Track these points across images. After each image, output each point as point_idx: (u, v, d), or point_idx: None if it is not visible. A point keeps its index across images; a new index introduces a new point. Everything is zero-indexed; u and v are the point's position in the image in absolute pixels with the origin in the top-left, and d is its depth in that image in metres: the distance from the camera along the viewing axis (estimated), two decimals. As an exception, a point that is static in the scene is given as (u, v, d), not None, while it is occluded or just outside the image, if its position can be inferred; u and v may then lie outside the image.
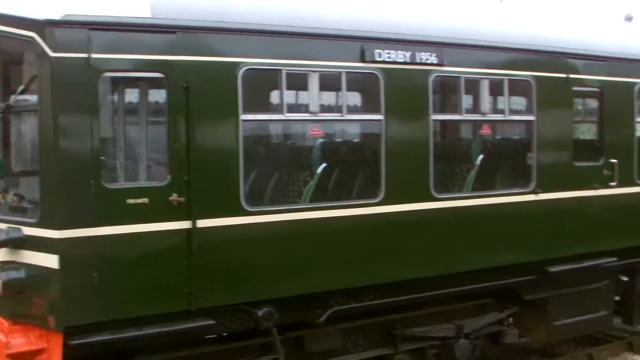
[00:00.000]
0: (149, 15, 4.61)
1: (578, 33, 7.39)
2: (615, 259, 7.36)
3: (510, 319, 7.06)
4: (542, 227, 6.73)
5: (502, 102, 6.58)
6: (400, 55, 5.73)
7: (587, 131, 8.04)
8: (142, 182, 4.99)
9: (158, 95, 5.01)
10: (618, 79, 7.37)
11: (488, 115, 6.37)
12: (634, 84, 7.48)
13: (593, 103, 7.78)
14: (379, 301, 5.81)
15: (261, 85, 5.54)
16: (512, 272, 6.66)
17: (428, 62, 5.88)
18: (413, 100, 5.80)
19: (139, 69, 4.63)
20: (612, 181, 7.20)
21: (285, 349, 5.37)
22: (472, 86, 6.27)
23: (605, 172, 7.18)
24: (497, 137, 7.35)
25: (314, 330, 5.63)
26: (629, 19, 8.39)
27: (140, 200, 4.52)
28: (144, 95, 5.15)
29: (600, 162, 7.19)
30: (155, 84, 4.91)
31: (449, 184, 6.41)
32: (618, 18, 8.49)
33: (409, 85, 5.78)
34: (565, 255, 6.95)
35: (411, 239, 5.82)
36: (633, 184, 7.48)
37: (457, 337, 6.45)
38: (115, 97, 5.13)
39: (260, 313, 5.10)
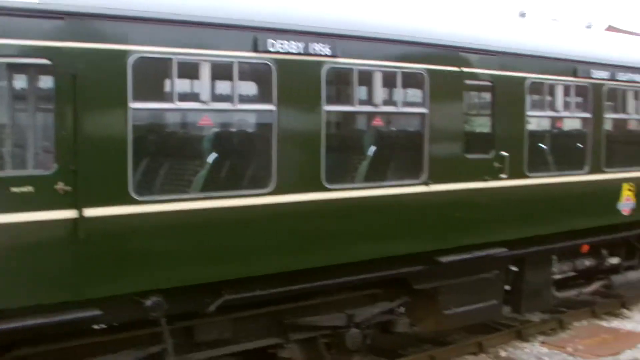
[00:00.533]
0: (37, 1, 5.05)
1: (471, 28, 8.39)
2: (505, 249, 8.45)
3: (402, 309, 8.01)
4: (434, 218, 7.68)
5: (395, 94, 7.46)
6: (294, 46, 6.42)
7: (482, 124, 9.10)
8: (28, 170, 5.40)
9: (46, 82, 5.43)
10: (510, 73, 8.43)
11: (381, 107, 7.23)
12: (525, 78, 8.58)
13: (487, 96, 8.84)
14: (270, 291, 6.50)
15: (152, 73, 6.03)
16: (404, 262, 7.56)
17: (321, 53, 6.61)
18: (305, 91, 6.51)
19: (25, 54, 5.06)
20: (503, 173, 8.28)
21: (174, 339, 5.97)
22: (366, 78, 7.09)
23: (496, 164, 8.24)
24: (390, 128, 8.23)
25: (204, 320, 6.26)
26: (522, 15, 9.55)
27: (24, 189, 4.95)
28: (32, 82, 5.54)
29: (491, 155, 8.22)
30: (43, 70, 5.32)
31: (341, 175, 7.20)
32: (512, 14, 9.64)
33: (301, 76, 6.49)
34: (457, 246, 7.96)
35: (302, 229, 6.56)
36: (523, 176, 8.61)
37: (348, 327, 7.29)
38: (3, 84, 5.49)
39: (148, 303, 5.63)
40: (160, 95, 6.28)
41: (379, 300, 7.78)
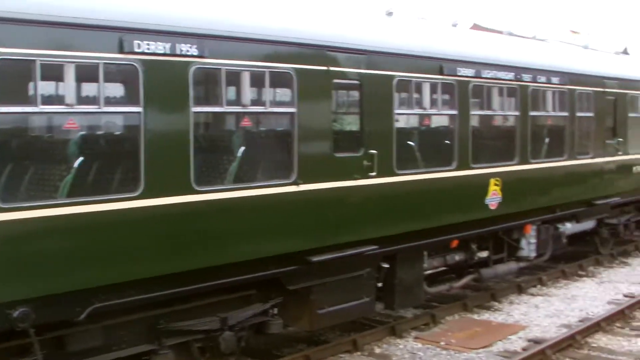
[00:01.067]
0: None
1: (339, 27, 9.39)
2: (376, 247, 9.48)
3: (275, 310, 8.83)
4: (305, 218, 8.57)
5: (264, 94, 8.26)
6: (160, 46, 7.03)
7: (351, 122, 10.09)
8: None
9: None
10: (377, 71, 9.49)
11: (249, 107, 8.01)
12: (392, 77, 9.68)
13: (355, 95, 9.83)
14: (142, 296, 7.08)
15: (15, 76, 6.36)
16: (276, 263, 8.39)
17: (188, 53, 7.27)
18: (172, 92, 7.15)
19: None
20: (372, 172, 9.30)
21: (45, 350, 6.41)
22: (234, 78, 7.85)
23: (365, 162, 9.26)
24: (259, 129, 9.03)
25: (74, 329, 6.75)
26: (389, 14, 10.66)
27: None
28: None
29: (360, 153, 9.23)
30: None
31: (210, 177, 7.90)
32: (379, 13, 10.73)
33: (168, 77, 7.11)
34: (329, 245, 8.89)
35: (173, 232, 7.20)
36: (392, 174, 9.70)
37: (221, 330, 8.01)
38: None
39: (15, 314, 5.99)
40: (23, 98, 6.61)
41: (253, 301, 8.54)
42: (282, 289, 8.72)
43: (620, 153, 15.35)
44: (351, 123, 9.92)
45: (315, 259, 8.69)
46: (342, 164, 9.00)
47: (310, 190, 8.56)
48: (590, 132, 14.35)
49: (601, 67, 15.19)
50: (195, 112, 7.39)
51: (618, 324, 11.54)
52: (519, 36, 14.43)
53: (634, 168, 16.14)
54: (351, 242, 9.21)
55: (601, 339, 10.82)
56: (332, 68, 8.82)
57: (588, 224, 15.11)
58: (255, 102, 8.26)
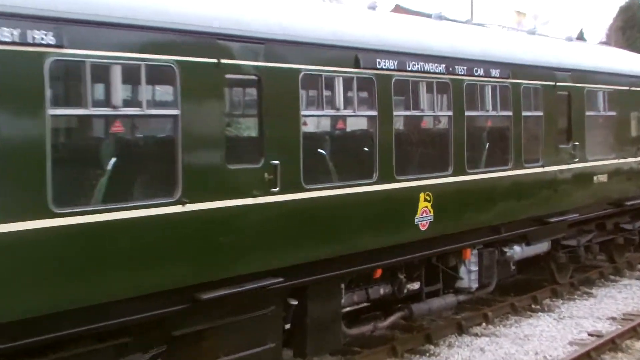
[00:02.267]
0: None
1: (232, 10, 9.70)
2: (281, 279, 9.83)
3: (159, 360, 9.05)
4: (193, 245, 8.87)
5: (140, 92, 8.53)
6: (6, 33, 7.17)
7: (249, 127, 10.45)
8: None
9: None
10: (280, 64, 9.90)
11: (121, 109, 8.25)
12: (298, 71, 10.11)
13: (253, 93, 10.16)
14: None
15: None
16: (158, 302, 8.62)
17: (43, 42, 7.45)
18: (23, 90, 7.31)
19: None
20: (274, 187, 9.67)
21: None
22: (102, 73, 8.08)
23: (266, 175, 9.63)
24: (135, 135, 9.28)
25: None
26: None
27: None
28: None
29: (260, 164, 9.62)
30: None
31: (73, 196, 8.07)
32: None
33: (17, 72, 7.28)
34: (224, 278, 9.19)
35: (23, 265, 7.35)
36: (299, 189, 10.10)
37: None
38: None
39: None
40: None
41: (129, 352, 8.72)
42: (166, 334, 8.94)
43: (576, 160, 16.24)
44: (249, 128, 10.27)
45: (206, 296, 8.96)
46: (238, 178, 9.34)
47: (198, 211, 8.86)
48: (539, 135, 15.16)
49: (552, 56, 16.07)
50: (53, 116, 7.58)
51: (583, 372, 12.28)
52: (451, 20, 15.09)
53: (595, 177, 17.08)
54: (251, 274, 9.54)
55: (562, 389, 11.52)
56: (223, 60, 9.16)
57: (541, 247, 15.89)
58: (128, 103, 8.52)
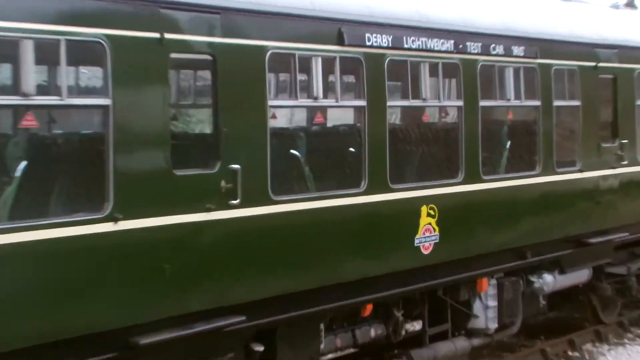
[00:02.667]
0: None
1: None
2: (243, 317, 9.92)
3: None
4: (128, 274, 8.96)
5: (58, 76, 8.57)
6: None
7: (201, 121, 10.57)
8: None
9: None
10: (240, 41, 10.02)
11: (33, 98, 8.27)
12: (264, 48, 10.23)
13: (207, 77, 10.27)
14: None
15: None
16: (84, 349, 8.64)
17: None
18: None
19: None
20: (234, 198, 9.79)
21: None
22: (8, 51, 8.14)
23: (224, 184, 9.76)
24: (52, 131, 9.36)
25: None
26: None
27: None
28: None
29: (216, 170, 9.72)
30: None
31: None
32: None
33: None
34: (168, 317, 9.29)
35: None
36: (267, 201, 10.25)
37: None
38: None
39: None
40: None
41: None
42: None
43: (625, 162, 16.47)
44: (201, 122, 10.37)
45: (145, 340, 9.06)
46: (187, 187, 9.46)
47: (135, 230, 8.98)
48: (576, 130, 15.39)
49: (593, 28, 16.31)
50: None
51: None
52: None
53: None
54: (204, 312, 9.66)
55: None
56: (168, 35, 9.26)
57: (579, 275, 16.09)
58: (44, 90, 8.65)
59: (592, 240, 15.78)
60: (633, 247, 17.59)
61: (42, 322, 8.33)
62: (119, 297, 8.95)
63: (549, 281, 15.19)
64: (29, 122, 8.68)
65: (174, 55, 9.47)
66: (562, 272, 15.49)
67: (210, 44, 9.74)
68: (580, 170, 15.40)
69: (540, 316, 16.31)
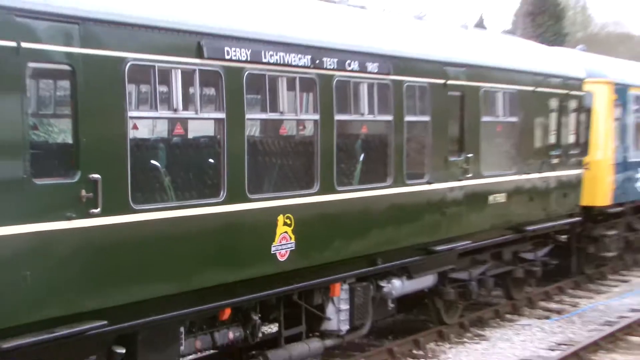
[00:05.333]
0: None
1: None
2: (104, 322, 9.73)
3: None
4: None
5: None
6: None
7: (61, 130, 10.25)
8: None
9: None
10: (99, 51, 9.71)
11: None
12: (124, 59, 9.94)
13: (66, 87, 9.95)
14: None
15: None
16: None
17: None
18: None
19: None
20: (95, 207, 9.55)
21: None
22: None
23: (84, 193, 9.48)
24: None
25: None
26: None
27: None
28: None
29: (76, 179, 9.44)
30: None
31: None
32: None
33: None
34: (26, 323, 9.00)
35: None
36: (127, 210, 10.03)
37: None
38: None
39: None
40: None
41: None
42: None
43: (470, 175, 16.70)
44: (62, 132, 10.13)
45: (6, 345, 8.78)
46: (47, 196, 9.22)
47: None
48: (426, 144, 15.52)
49: (443, 47, 16.51)
50: None
51: None
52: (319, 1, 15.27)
53: (491, 197, 17.59)
54: (64, 317, 9.42)
55: None
56: (25, 44, 8.93)
57: (425, 281, 16.29)
58: None
59: (438, 248, 15.97)
60: (475, 254, 17.89)
61: None
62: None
63: (397, 286, 15.35)
64: None
65: (31, 64, 9.16)
66: (410, 277, 15.66)
67: (69, 54, 9.47)
68: (429, 182, 15.58)
69: (389, 318, 16.45)
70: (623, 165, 24.33)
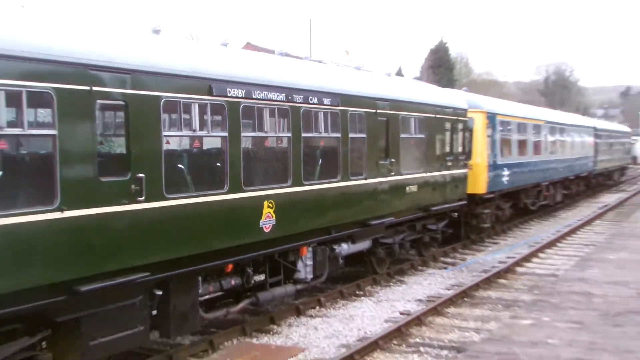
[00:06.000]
0: None
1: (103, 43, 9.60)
2: (147, 273, 9.85)
3: (44, 343, 8.85)
4: (70, 246, 8.75)
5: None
6: None
7: (119, 145, 10.32)
8: None
9: None
10: (143, 92, 9.84)
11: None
12: (160, 97, 10.07)
13: (121, 116, 10.06)
14: None
15: None
16: (42, 294, 8.45)
17: None
18: None
19: None
20: (141, 196, 9.64)
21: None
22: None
23: (133, 186, 9.57)
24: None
25: None
26: (156, 31, 11.09)
27: None
28: None
29: (128, 177, 9.56)
30: None
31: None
32: (146, 30, 11.12)
33: None
34: (98, 273, 9.13)
35: None
36: (162, 198, 10.11)
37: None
38: None
39: None
40: None
41: (18, 336, 8.54)
42: (50, 321, 8.79)
43: (393, 173, 16.84)
44: (119, 146, 10.21)
45: (84, 288, 8.89)
46: (110, 188, 9.30)
47: (76, 217, 8.77)
48: (363, 153, 15.65)
49: (374, 88, 16.62)
50: None
51: (395, 342, 12.67)
52: (292, 56, 15.42)
53: (407, 188, 17.75)
54: (122, 270, 9.51)
55: (379, 357, 11.87)
56: (95, 88, 9.04)
57: (364, 244, 16.40)
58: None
59: (372, 223, 16.07)
60: (397, 226, 17.98)
61: (30, 275, 8.26)
62: (65, 261, 8.74)
63: (345, 248, 15.46)
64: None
65: (99, 101, 9.23)
66: (354, 242, 15.77)
67: (123, 94, 9.55)
68: (365, 178, 15.66)
69: (340, 270, 16.54)
70: (493, 167, 24.68)
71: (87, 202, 8.97)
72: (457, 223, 22.88)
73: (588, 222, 29.83)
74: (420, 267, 19.92)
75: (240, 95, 11.64)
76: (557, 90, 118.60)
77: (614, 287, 12.35)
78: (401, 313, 14.64)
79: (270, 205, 12.33)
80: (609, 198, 42.74)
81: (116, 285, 9.39)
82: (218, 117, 11.45)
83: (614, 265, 14.46)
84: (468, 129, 22.07)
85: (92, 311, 9.23)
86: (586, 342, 9.13)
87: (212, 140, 11.66)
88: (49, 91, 8.47)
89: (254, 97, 11.96)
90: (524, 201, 29.20)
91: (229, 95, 11.38)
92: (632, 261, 14.86)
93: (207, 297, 12.38)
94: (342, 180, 14.71)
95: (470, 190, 22.64)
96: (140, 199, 9.69)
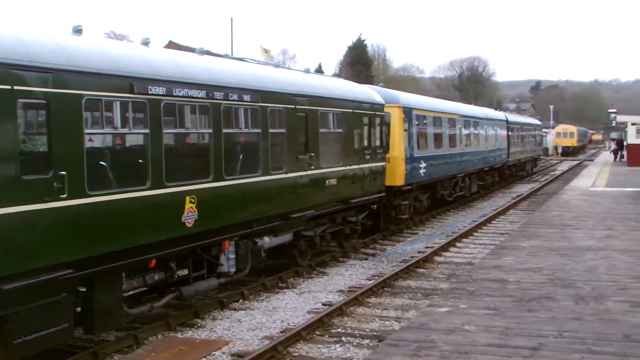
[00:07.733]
0: None
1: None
2: (71, 270, 9.93)
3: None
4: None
5: None
6: None
7: (42, 143, 10.30)
8: None
9: None
10: (65, 90, 9.91)
11: None
12: (82, 95, 10.15)
13: (43, 115, 10.07)
14: None
15: None
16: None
17: None
18: None
19: None
20: (63, 193, 9.72)
21: None
22: None
23: (56, 184, 9.63)
24: None
25: None
26: (77, 31, 11.11)
27: None
28: None
29: (50, 175, 9.60)
30: None
31: None
32: (66, 30, 11.14)
33: None
34: (22, 271, 9.17)
35: None
36: (84, 195, 10.19)
37: None
38: None
39: None
40: None
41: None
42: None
43: (312, 167, 17.16)
44: (42, 144, 10.15)
45: (7, 287, 8.94)
46: (32, 186, 9.34)
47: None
48: (283, 147, 15.91)
49: (293, 84, 16.89)
50: None
51: (318, 332, 12.98)
52: (213, 54, 15.53)
53: (327, 181, 18.10)
54: (45, 267, 9.57)
55: (302, 348, 12.15)
56: (16, 87, 9.08)
57: (286, 237, 16.66)
58: None
59: (293, 216, 16.36)
60: (318, 218, 18.29)
61: None
62: None
63: (267, 241, 15.64)
64: None
65: (21, 100, 9.28)
66: (275, 235, 15.99)
67: (45, 92, 9.61)
68: (286, 172, 15.94)
69: (262, 263, 16.74)
70: (411, 159, 25.23)
71: (9, 201, 9.01)
72: (376, 215, 23.29)
73: (502, 212, 30.84)
74: (341, 259, 20.24)
75: (162, 93, 11.75)
76: (471, 85, 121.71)
77: (527, 273, 12.93)
78: (323, 304, 14.93)
79: (193, 200, 12.48)
80: (522, 188, 44.12)
81: (40, 283, 9.42)
82: (140, 115, 11.53)
83: (527, 252, 15.10)
84: (385, 123, 22.53)
85: (16, 309, 9.25)
86: (501, 327, 9.55)
87: (134, 137, 11.71)
88: None
89: (175, 94, 12.09)
90: (441, 192, 29.96)
91: (150, 93, 11.48)
92: (544, 248, 15.55)
93: (131, 292, 12.43)
94: (263, 174, 14.93)
95: (389, 182, 23.09)
96: (63, 196, 9.76)
